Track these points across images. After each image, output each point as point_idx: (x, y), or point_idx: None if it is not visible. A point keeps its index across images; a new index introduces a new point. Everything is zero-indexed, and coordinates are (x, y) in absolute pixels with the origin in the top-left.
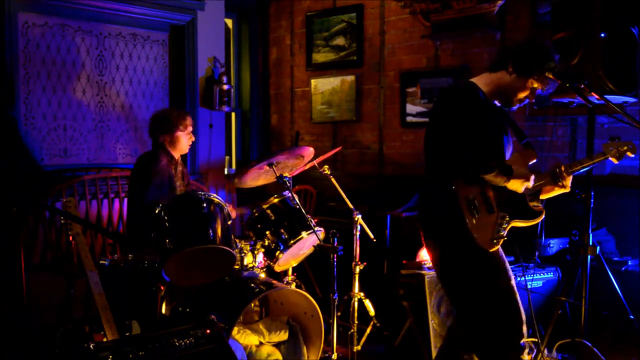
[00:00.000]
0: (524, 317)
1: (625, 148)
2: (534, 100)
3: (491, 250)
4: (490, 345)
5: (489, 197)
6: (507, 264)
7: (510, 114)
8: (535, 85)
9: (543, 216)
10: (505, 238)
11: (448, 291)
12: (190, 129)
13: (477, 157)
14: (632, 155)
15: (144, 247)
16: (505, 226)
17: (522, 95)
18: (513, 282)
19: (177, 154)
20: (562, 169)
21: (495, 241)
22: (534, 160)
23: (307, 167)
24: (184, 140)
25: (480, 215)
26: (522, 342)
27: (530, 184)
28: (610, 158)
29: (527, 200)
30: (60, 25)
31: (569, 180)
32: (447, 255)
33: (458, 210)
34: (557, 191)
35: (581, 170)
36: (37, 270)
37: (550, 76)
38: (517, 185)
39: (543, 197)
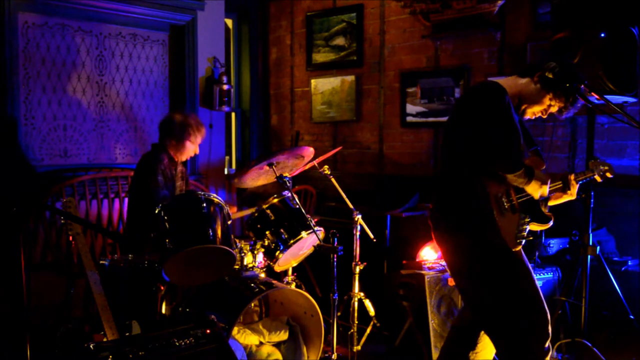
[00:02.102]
0: (549, 317)
1: (606, 168)
2: (545, 117)
3: (514, 250)
4: (515, 347)
5: (512, 197)
6: (529, 265)
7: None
8: (552, 103)
9: (552, 222)
10: (531, 238)
11: (468, 290)
12: (199, 140)
13: (508, 153)
14: (611, 176)
15: (144, 247)
16: (526, 227)
17: (537, 108)
18: (537, 282)
19: (176, 158)
20: (572, 177)
21: (518, 241)
22: (542, 168)
23: (307, 167)
24: (189, 151)
25: (507, 214)
26: (546, 345)
27: (547, 191)
28: (595, 177)
29: (540, 205)
30: (60, 25)
31: (575, 189)
32: (474, 251)
33: (488, 205)
34: (565, 198)
35: (583, 181)
36: (37, 270)
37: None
38: (535, 189)
39: (551, 203)
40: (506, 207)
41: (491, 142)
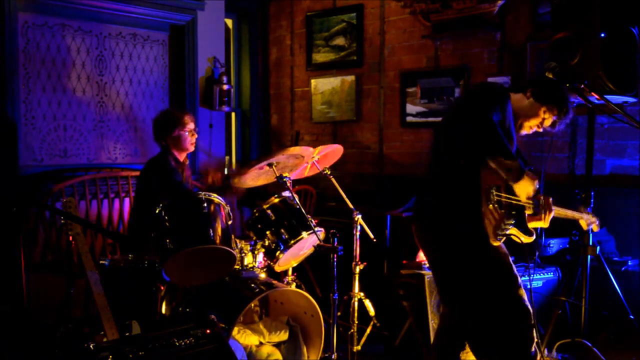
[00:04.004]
0: (533, 321)
1: (595, 219)
2: (541, 130)
3: (494, 244)
4: (499, 351)
5: (501, 193)
6: (515, 268)
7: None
8: (546, 116)
9: (533, 238)
10: (510, 236)
11: (450, 291)
12: (190, 126)
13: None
14: (597, 230)
15: (144, 247)
16: (508, 227)
17: (533, 122)
18: (522, 286)
19: (182, 155)
20: (550, 201)
21: (498, 237)
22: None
23: (311, 173)
24: (187, 139)
25: (492, 205)
26: (533, 349)
27: (536, 186)
28: (581, 222)
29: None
30: (60, 25)
31: (549, 217)
32: (466, 251)
33: (477, 191)
34: (535, 224)
35: (563, 216)
36: (37, 270)
37: (551, 76)
38: (527, 184)
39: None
40: (494, 199)
41: (491, 131)
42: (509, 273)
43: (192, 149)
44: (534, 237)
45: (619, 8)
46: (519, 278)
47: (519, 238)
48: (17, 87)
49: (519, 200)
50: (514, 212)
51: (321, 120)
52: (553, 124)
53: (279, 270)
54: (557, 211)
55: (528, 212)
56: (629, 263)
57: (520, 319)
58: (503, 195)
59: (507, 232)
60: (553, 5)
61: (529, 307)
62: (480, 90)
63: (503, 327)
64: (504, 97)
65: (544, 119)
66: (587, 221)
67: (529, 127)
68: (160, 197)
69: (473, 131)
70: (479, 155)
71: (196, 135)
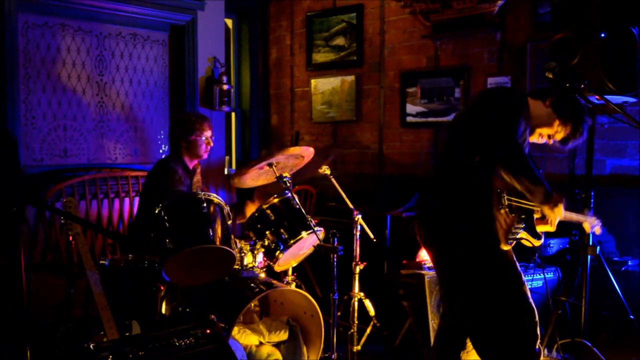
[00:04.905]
0: (537, 319)
1: (597, 222)
2: (550, 143)
3: (504, 248)
4: (504, 350)
5: (512, 197)
6: (518, 265)
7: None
8: (559, 129)
9: (542, 241)
10: (520, 240)
11: (456, 290)
12: (207, 134)
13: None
14: (599, 233)
15: (144, 247)
16: (518, 231)
17: (545, 130)
18: (526, 285)
19: (193, 162)
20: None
21: (509, 240)
22: None
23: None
24: (201, 145)
25: (503, 210)
26: (537, 347)
27: (563, 207)
28: (584, 226)
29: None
30: (60, 25)
31: (556, 221)
32: (459, 246)
33: (489, 195)
34: (544, 227)
35: (568, 220)
36: (37, 270)
37: (550, 75)
38: (555, 208)
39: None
40: (504, 203)
41: (517, 154)
42: (514, 270)
43: (205, 156)
44: (542, 240)
45: (619, 8)
46: (523, 275)
47: (529, 242)
48: (17, 87)
49: (528, 204)
50: (523, 216)
51: (321, 120)
52: (564, 141)
53: (278, 270)
54: (572, 217)
55: (536, 215)
56: (629, 263)
57: (525, 317)
58: (514, 199)
59: (518, 236)
60: (553, 5)
61: (533, 305)
62: (503, 101)
63: (507, 325)
64: (525, 111)
65: (556, 132)
66: (590, 224)
67: (539, 134)
68: (161, 198)
69: (495, 143)
70: (497, 166)
71: (212, 144)
